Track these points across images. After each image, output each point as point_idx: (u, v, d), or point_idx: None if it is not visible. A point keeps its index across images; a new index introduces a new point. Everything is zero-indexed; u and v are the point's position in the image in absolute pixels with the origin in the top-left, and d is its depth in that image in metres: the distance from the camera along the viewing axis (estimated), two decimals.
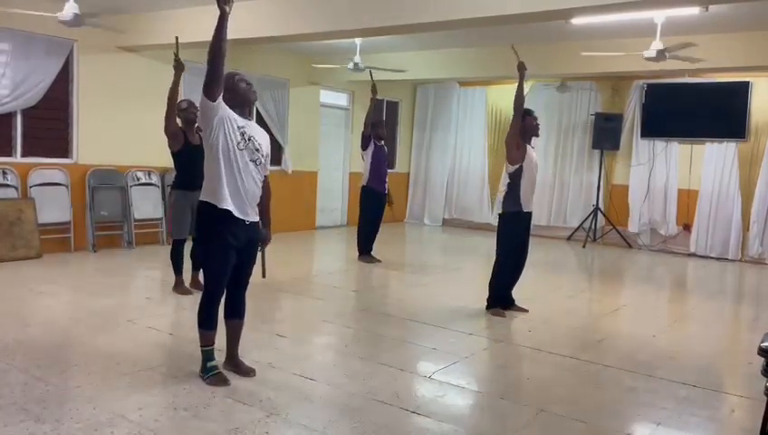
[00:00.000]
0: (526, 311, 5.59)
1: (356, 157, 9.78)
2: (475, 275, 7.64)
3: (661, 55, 6.43)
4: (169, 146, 5.40)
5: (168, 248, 5.80)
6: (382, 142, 7.80)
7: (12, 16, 6.42)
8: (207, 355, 3.60)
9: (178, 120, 5.39)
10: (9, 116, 7.00)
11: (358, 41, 8.24)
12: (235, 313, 3.72)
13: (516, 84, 5.36)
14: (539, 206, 10.24)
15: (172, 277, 5.70)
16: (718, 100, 9.47)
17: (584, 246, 10.16)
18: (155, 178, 8.19)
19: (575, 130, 10.87)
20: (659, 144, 10.08)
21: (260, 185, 3.57)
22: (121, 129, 7.82)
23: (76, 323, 4.71)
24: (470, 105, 11.97)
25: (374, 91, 7.78)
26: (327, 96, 10.96)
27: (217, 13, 3.23)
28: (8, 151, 7.05)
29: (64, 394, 3.34)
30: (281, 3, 6.45)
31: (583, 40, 7.88)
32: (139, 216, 8.00)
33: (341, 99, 11.34)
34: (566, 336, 5.02)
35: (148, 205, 8.10)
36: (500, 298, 5.55)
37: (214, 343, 3.61)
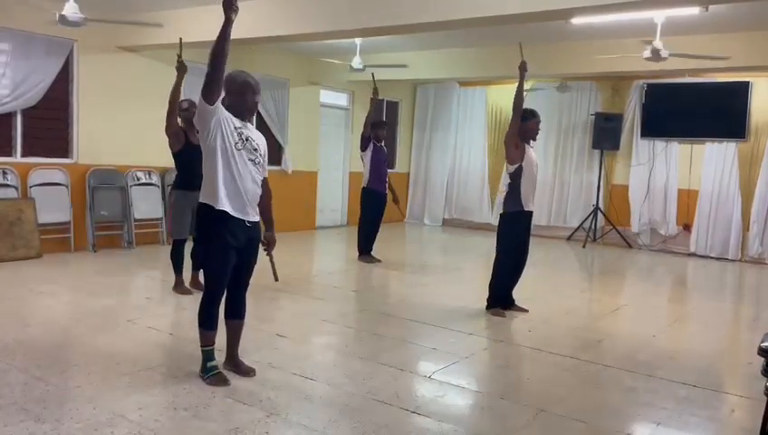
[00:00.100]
0: (526, 311, 5.59)
1: (356, 157, 9.77)
2: (475, 275, 7.64)
3: (660, 55, 6.43)
4: (170, 146, 5.40)
5: (168, 248, 5.80)
6: (382, 143, 7.80)
7: (12, 16, 6.43)
8: (207, 355, 3.60)
9: (179, 120, 5.39)
10: (9, 116, 7.00)
11: (358, 41, 8.25)
12: (236, 313, 3.72)
13: (516, 84, 5.37)
14: (539, 206, 10.24)
15: (172, 277, 5.70)
16: (718, 100, 9.48)
17: (584, 246, 10.16)
18: (155, 178, 8.19)
19: (575, 130, 10.87)
20: (659, 144, 10.09)
21: (260, 184, 3.58)
22: (121, 129, 7.83)
23: (76, 323, 4.71)
24: (470, 105, 11.98)
25: (375, 92, 7.76)
26: (327, 96, 10.97)
27: (221, 14, 3.23)
28: (8, 151, 7.05)
29: (64, 394, 3.34)
30: (281, 3, 6.45)
31: (583, 40, 7.88)
32: (139, 216, 8.00)
33: (341, 99, 11.34)
34: (566, 336, 5.02)
35: (148, 205, 8.10)
36: (500, 298, 5.55)
37: (214, 343, 3.61)
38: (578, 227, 10.64)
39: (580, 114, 10.80)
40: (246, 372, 3.71)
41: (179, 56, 5.22)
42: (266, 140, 3.75)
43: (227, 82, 3.48)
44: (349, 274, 7.39)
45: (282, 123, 9.93)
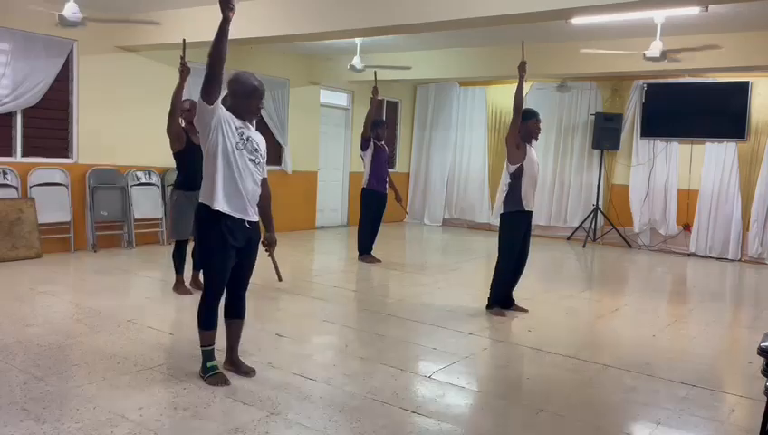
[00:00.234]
0: (526, 311, 5.59)
1: (356, 157, 9.78)
2: (475, 275, 7.65)
3: (661, 55, 6.43)
4: (171, 146, 5.39)
5: (168, 248, 5.80)
6: (382, 143, 7.79)
7: (12, 16, 6.43)
8: (207, 355, 3.60)
9: (181, 121, 5.38)
10: (9, 116, 7.00)
11: (358, 41, 8.25)
12: (235, 313, 3.72)
13: (516, 84, 5.37)
14: (539, 206, 10.26)
15: (172, 277, 5.70)
16: (718, 100, 9.48)
17: (584, 246, 10.16)
18: (155, 178, 8.19)
19: (575, 130, 10.87)
20: (659, 144, 10.09)
21: (259, 184, 3.58)
22: (121, 129, 7.83)
23: (76, 323, 4.71)
24: (470, 105, 11.97)
25: (375, 92, 7.74)
26: (327, 96, 10.97)
27: (219, 14, 3.23)
28: (8, 151, 7.05)
29: (64, 394, 3.34)
30: (281, 3, 6.45)
31: (583, 40, 7.88)
32: (139, 216, 8.00)
33: (341, 99, 11.34)
34: (566, 336, 5.02)
35: (148, 205, 8.10)
36: (500, 298, 5.55)
37: (214, 342, 3.61)
38: (578, 227, 10.65)
39: (580, 114, 10.80)
40: (246, 371, 3.71)
41: (182, 58, 5.19)
42: (266, 140, 3.76)
43: (233, 83, 3.49)
44: (349, 274, 7.39)
45: (282, 123, 9.93)
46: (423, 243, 10.63)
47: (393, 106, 12.32)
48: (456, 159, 12.17)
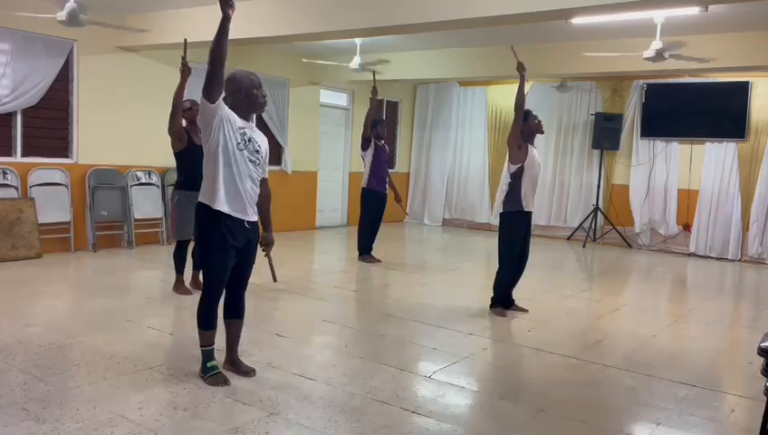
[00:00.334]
0: (526, 311, 5.59)
1: (356, 157, 9.78)
2: (475, 275, 7.65)
3: (661, 56, 6.43)
4: (172, 146, 5.39)
5: (169, 248, 5.80)
6: (382, 142, 7.78)
7: (12, 16, 6.42)
8: (207, 355, 3.60)
9: (183, 120, 5.38)
10: (9, 116, 7.00)
11: (358, 41, 8.25)
12: (235, 313, 3.72)
13: (518, 85, 5.37)
14: (539, 206, 10.27)
15: (172, 277, 5.70)
16: (718, 100, 9.48)
17: (584, 246, 10.16)
18: (155, 178, 8.19)
19: (575, 130, 10.88)
20: (659, 144, 10.09)
21: (258, 184, 3.58)
22: (121, 129, 7.83)
23: (76, 324, 4.71)
24: (470, 105, 11.98)
25: (375, 92, 7.74)
26: (327, 96, 10.97)
27: (219, 14, 3.23)
28: (8, 151, 7.05)
29: (64, 394, 3.34)
30: (281, 3, 6.45)
31: (583, 40, 7.89)
32: (139, 216, 8.00)
33: (341, 99, 11.34)
34: (566, 336, 5.02)
35: (148, 205, 8.10)
36: (502, 298, 5.55)
37: (213, 342, 3.61)
38: (578, 227, 10.65)
39: (580, 114, 10.80)
40: (246, 371, 3.71)
41: (184, 58, 5.18)
42: (267, 140, 3.75)
43: (229, 83, 3.48)
44: (349, 274, 7.38)
45: (282, 123, 9.93)
46: (423, 243, 10.63)
47: (393, 106, 12.32)
48: (455, 159, 12.17)
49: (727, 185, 9.50)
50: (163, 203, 8.19)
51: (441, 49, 9.23)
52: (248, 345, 4.07)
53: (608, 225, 10.45)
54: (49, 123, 7.37)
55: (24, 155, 7.14)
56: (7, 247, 6.68)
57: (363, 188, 7.74)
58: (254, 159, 3.50)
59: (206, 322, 3.57)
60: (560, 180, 11.04)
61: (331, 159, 11.24)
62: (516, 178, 5.33)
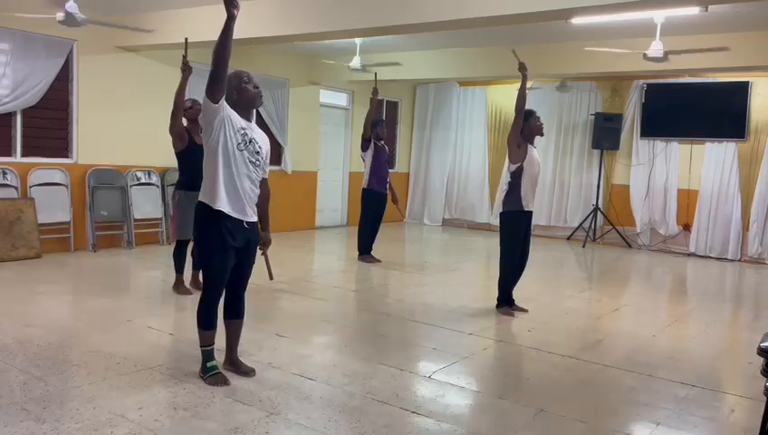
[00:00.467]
0: (526, 311, 5.59)
1: (356, 157, 9.78)
2: (475, 276, 7.65)
3: (661, 55, 6.43)
4: (174, 146, 5.38)
5: (168, 248, 5.80)
6: (382, 142, 7.78)
7: (12, 16, 6.42)
8: (207, 355, 3.60)
9: (183, 120, 5.38)
10: (9, 116, 7.00)
11: (358, 41, 8.25)
12: (235, 313, 3.72)
13: (519, 85, 5.37)
14: (539, 206, 10.26)
15: (172, 277, 5.70)
16: (718, 100, 9.48)
17: (584, 246, 10.17)
18: (155, 178, 8.19)
19: (575, 130, 10.88)
20: (659, 144, 10.09)
21: (258, 184, 3.58)
22: (121, 129, 7.83)
23: (76, 323, 4.72)
24: (470, 105, 11.98)
25: (375, 92, 7.74)
26: (327, 96, 10.97)
27: (222, 13, 3.22)
28: (8, 151, 7.05)
29: (64, 394, 3.34)
30: (281, 3, 6.45)
31: (583, 40, 7.88)
32: (139, 216, 8.00)
33: (341, 99, 11.34)
34: (566, 336, 5.02)
35: (148, 205, 8.09)
36: (506, 297, 5.56)
37: (213, 342, 3.61)
38: (578, 227, 10.65)
39: (580, 114, 10.80)
40: (246, 371, 3.71)
41: (185, 57, 5.18)
42: (268, 140, 3.74)
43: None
44: (349, 274, 7.38)
45: (282, 123, 9.93)
46: (423, 243, 10.63)
47: (393, 106, 12.32)
48: (455, 159, 12.17)
49: (727, 185, 9.50)
50: (163, 203, 8.19)
51: (441, 49, 9.23)
52: (248, 345, 4.07)
53: (608, 225, 10.45)
54: (49, 123, 7.37)
55: (23, 155, 7.14)
56: (7, 247, 6.68)
57: (363, 189, 7.74)
58: (254, 160, 3.50)
59: (205, 322, 3.57)
60: (560, 180, 11.04)
61: (330, 159, 11.24)
62: (516, 177, 5.34)
